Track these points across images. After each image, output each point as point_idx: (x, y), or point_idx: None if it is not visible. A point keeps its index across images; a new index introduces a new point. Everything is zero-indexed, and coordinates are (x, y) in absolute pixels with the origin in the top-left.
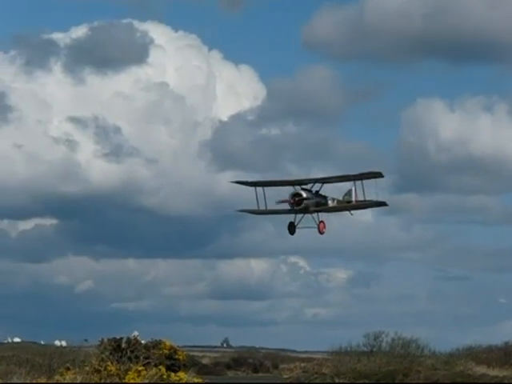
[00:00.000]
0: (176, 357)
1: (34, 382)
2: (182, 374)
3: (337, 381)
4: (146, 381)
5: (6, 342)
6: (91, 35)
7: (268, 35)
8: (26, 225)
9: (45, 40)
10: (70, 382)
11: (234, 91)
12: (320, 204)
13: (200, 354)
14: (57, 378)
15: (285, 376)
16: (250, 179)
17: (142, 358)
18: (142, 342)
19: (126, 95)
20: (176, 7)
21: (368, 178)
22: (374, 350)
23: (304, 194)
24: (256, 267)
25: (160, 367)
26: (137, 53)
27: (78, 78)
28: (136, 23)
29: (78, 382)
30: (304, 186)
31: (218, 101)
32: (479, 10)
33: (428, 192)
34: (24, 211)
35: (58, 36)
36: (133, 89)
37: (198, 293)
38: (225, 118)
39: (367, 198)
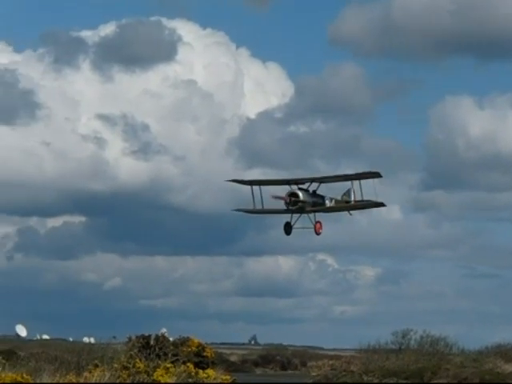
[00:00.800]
0: (204, 354)
1: (63, 379)
2: (210, 371)
3: (365, 378)
4: (175, 378)
5: (34, 338)
6: (119, 33)
7: (295, 32)
8: (55, 222)
9: (73, 38)
10: (98, 378)
11: (262, 89)
12: (317, 204)
13: (228, 352)
14: (85, 374)
15: (313, 373)
16: (278, 177)
17: (170, 355)
18: (170, 339)
19: (154, 93)
20: (204, 5)
21: (366, 178)
22: (403, 347)
23: (300, 194)
24: (284, 265)
25: (188, 364)
26: (165, 50)
27: (106, 76)
28: (164, 21)
29: (106, 378)
30: (301, 186)
31: (246, 98)
32: (507, 7)
33: (456, 189)
34: (53, 208)
35: (86, 34)
36: (161, 86)
37: (225, 290)
38: (253, 116)
39: (365, 198)
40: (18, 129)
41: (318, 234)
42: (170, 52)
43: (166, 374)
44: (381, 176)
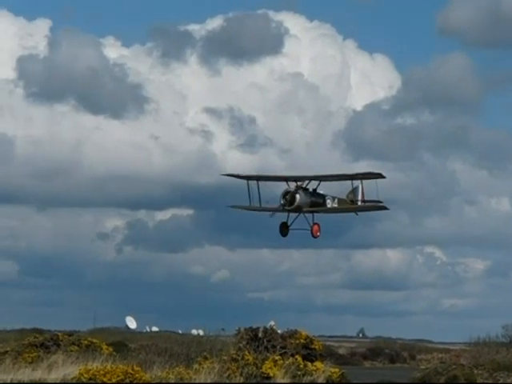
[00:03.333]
0: (312, 346)
1: (173, 371)
2: (318, 364)
3: (475, 372)
4: (283, 370)
5: (144, 331)
6: (226, 26)
7: (403, 23)
8: (163, 215)
9: (181, 32)
10: (207, 370)
11: (369, 80)
12: (316, 204)
13: (336, 344)
14: (195, 366)
15: (422, 367)
16: (384, 170)
17: (278, 347)
18: (279, 331)
19: (261, 86)
20: None
21: (368, 179)
22: None
23: (297, 194)
24: (392, 257)
25: (296, 357)
26: (272, 43)
27: (213, 69)
28: (271, 14)
29: (215, 370)
30: (299, 184)
31: (353, 90)
32: None
33: None
34: (161, 202)
35: (193, 28)
36: (267, 79)
37: (333, 283)
38: (359, 108)
39: (366, 199)
40: (126, 123)
41: (315, 237)
42: (277, 45)
43: (275, 366)
44: (384, 177)
